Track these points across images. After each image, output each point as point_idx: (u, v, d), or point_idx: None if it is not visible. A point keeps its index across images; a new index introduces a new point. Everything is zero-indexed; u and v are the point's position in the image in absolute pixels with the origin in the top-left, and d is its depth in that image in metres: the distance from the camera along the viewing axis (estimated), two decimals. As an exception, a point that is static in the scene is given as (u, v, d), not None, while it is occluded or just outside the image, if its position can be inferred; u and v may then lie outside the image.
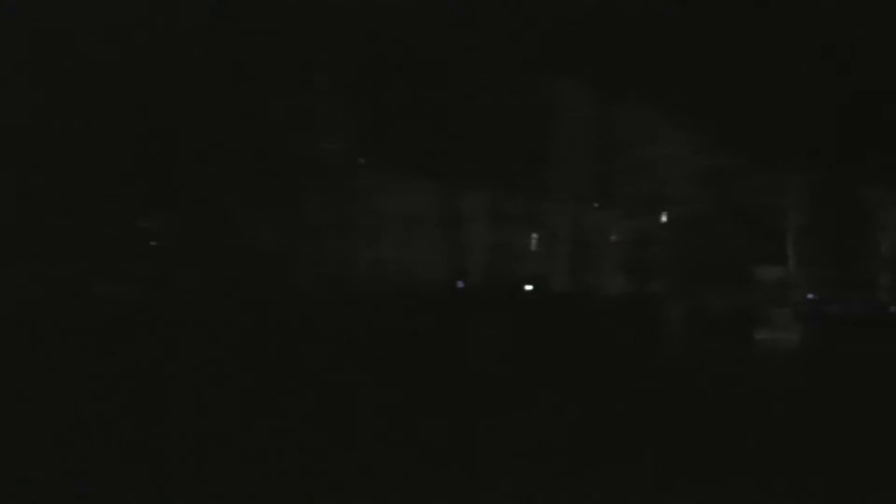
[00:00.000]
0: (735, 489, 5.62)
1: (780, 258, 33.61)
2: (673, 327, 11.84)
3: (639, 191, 29.82)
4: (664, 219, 33.18)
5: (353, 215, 30.79)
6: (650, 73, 27.06)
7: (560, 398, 8.25)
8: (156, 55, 24.90)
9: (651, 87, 27.39)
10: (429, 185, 33.68)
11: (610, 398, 8.20)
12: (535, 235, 35.27)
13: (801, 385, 8.74)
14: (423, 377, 10.32)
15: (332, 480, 5.46)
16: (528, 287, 13.49)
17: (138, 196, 26.42)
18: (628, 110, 28.38)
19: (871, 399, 7.12)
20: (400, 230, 33.28)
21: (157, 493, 5.06)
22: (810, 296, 23.37)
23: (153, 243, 26.20)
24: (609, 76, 29.38)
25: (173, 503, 4.99)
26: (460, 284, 21.89)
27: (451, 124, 30.35)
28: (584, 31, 29.10)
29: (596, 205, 30.88)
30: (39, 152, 24.57)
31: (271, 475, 5.55)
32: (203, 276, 25.39)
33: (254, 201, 28.92)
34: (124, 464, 5.75)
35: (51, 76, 24.41)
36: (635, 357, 9.48)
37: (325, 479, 5.43)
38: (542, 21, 28.61)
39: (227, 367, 10.82)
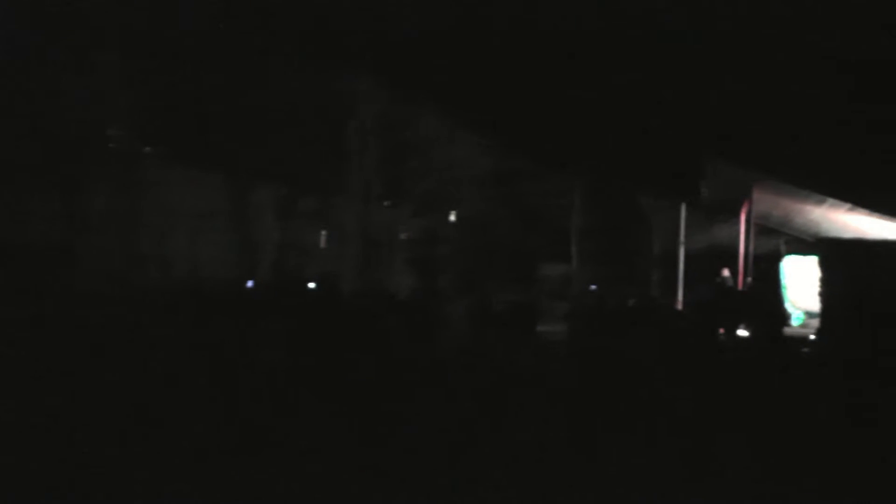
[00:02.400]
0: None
1: (564, 256, 35.16)
2: (457, 322, 11.70)
3: (428, 190, 30.14)
4: (452, 218, 33.81)
5: (137, 209, 28.93)
6: (439, 73, 27.37)
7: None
8: None
9: (440, 88, 27.59)
10: (217, 178, 32.33)
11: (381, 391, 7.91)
12: (324, 233, 34.87)
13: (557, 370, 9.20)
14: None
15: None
16: (312, 285, 12.93)
17: None
18: (418, 110, 28.55)
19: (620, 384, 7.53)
20: (187, 225, 31.71)
21: None
22: (593, 287, 24.43)
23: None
24: (400, 76, 29.52)
25: None
26: (250, 283, 21.12)
27: (242, 117, 29.29)
28: (377, 30, 29.00)
29: (386, 203, 30.89)
30: None
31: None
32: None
33: (27, 191, 26.43)
34: None
35: None
36: (412, 350, 9.23)
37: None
38: (335, 18, 28.21)
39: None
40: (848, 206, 13.78)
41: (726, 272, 15.37)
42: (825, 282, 13.70)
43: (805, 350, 8.15)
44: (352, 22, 27.02)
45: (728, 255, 20.63)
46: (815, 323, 12.51)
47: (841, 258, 13.94)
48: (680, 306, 17.40)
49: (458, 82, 28.16)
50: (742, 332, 11.28)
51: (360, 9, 27.02)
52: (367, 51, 27.88)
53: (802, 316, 14.59)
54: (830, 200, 13.95)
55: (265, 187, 30.82)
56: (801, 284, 14.76)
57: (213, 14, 26.21)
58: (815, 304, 13.69)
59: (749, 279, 13.81)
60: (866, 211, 13.58)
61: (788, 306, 14.47)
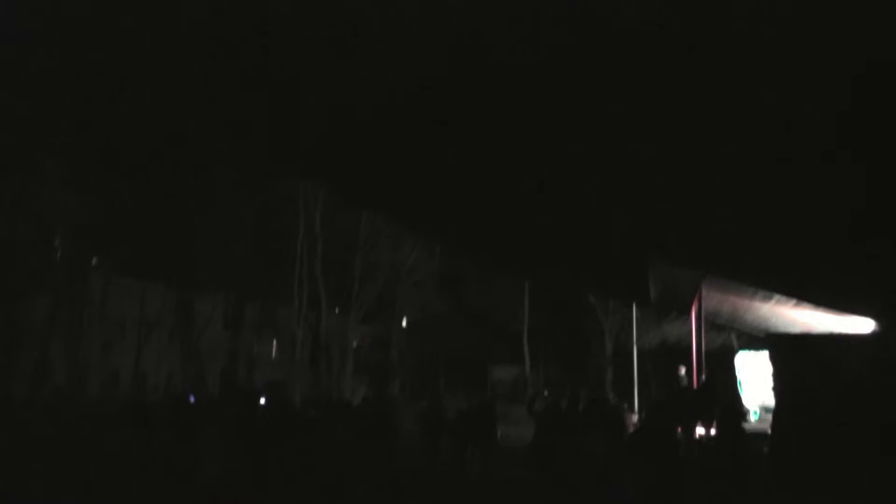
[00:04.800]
0: None
1: (516, 358, 34.92)
2: (410, 430, 11.43)
3: (376, 295, 29.97)
4: (402, 323, 33.54)
5: (82, 320, 28.14)
6: (383, 180, 27.57)
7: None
8: None
9: (385, 194, 27.74)
10: (163, 289, 31.76)
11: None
12: (274, 341, 34.30)
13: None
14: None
15: None
16: (262, 399, 12.44)
17: None
18: (364, 217, 28.68)
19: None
20: (133, 337, 30.91)
21: None
22: (546, 393, 24.25)
23: None
24: (345, 184, 29.56)
25: None
26: (192, 399, 20.42)
27: (188, 227, 29.03)
28: (320, 139, 28.99)
29: (335, 310, 30.61)
30: None
31: None
32: None
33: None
34: None
35: None
36: (370, 465, 8.90)
37: None
38: (278, 127, 28.18)
39: None
40: (794, 301, 13.90)
41: (682, 370, 15.31)
42: (776, 377, 13.71)
43: (764, 447, 8.07)
44: (294, 127, 27.10)
45: (679, 352, 20.71)
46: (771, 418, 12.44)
47: (787, 353, 14.01)
48: (637, 404, 17.27)
49: (403, 187, 28.40)
50: (700, 430, 11.15)
51: (302, 113, 27.13)
52: (312, 157, 27.87)
53: (759, 411, 14.56)
54: (777, 296, 14.06)
55: (212, 296, 30.36)
56: (756, 379, 14.78)
57: (157, 124, 26.24)
58: (770, 399, 13.67)
59: (703, 376, 13.76)
60: (811, 305, 13.70)
61: (745, 401, 14.45)
